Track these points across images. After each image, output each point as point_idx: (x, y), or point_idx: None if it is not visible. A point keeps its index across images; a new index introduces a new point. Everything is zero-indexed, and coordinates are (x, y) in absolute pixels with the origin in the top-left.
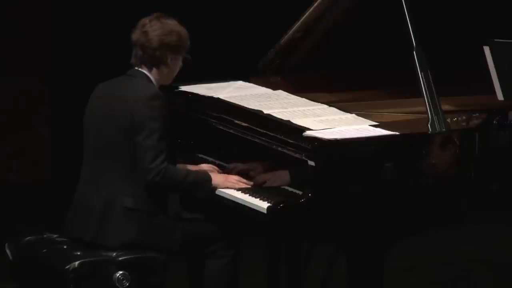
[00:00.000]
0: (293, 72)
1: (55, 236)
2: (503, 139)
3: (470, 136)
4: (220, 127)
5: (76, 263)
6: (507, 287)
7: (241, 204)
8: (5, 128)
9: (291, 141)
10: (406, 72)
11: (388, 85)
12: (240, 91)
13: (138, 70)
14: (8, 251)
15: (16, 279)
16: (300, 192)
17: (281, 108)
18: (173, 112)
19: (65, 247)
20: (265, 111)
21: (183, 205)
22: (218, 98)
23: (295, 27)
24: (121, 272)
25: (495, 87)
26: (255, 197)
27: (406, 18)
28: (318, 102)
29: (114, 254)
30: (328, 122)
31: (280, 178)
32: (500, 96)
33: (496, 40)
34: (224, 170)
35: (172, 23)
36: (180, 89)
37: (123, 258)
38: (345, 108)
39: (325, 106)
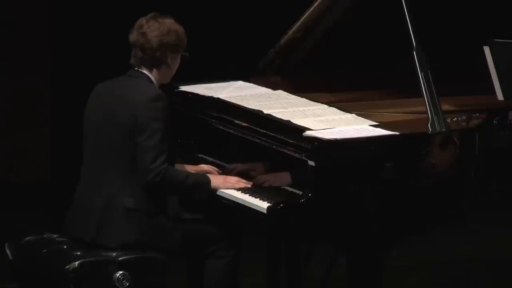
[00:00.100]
0: (293, 72)
1: (55, 236)
2: (503, 139)
3: (470, 136)
4: (220, 127)
5: (76, 263)
6: (507, 287)
7: (241, 204)
8: (5, 128)
9: (291, 141)
10: (406, 72)
11: (388, 85)
12: (240, 91)
13: (138, 70)
14: (8, 251)
15: (16, 279)
16: (300, 192)
17: (281, 108)
18: (173, 112)
19: (65, 247)
20: (265, 111)
21: (183, 205)
22: (218, 98)
23: (295, 27)
24: (121, 272)
25: (495, 87)
26: (255, 197)
27: (406, 18)
28: (318, 102)
29: (114, 254)
30: (328, 122)
31: (280, 178)
32: (500, 96)
33: (496, 40)
34: (224, 170)
35: (169, 22)
36: (180, 89)
37: (123, 258)
38: (345, 108)
39: (325, 106)
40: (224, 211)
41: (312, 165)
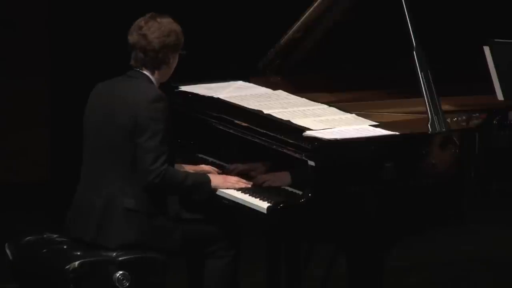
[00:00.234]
0: (293, 72)
1: (55, 236)
2: (503, 139)
3: (470, 136)
4: (220, 127)
5: (76, 263)
6: (507, 287)
7: (241, 204)
8: (5, 128)
9: (291, 141)
10: (406, 72)
11: (388, 85)
12: (240, 91)
13: (139, 71)
14: (8, 251)
15: (16, 279)
16: (300, 192)
17: (281, 108)
18: (173, 112)
19: (65, 247)
20: (265, 111)
21: (183, 205)
22: (218, 98)
23: (295, 27)
24: (121, 272)
25: (495, 87)
26: (255, 197)
27: (406, 18)
28: (318, 102)
29: (114, 254)
30: (328, 122)
31: (280, 178)
32: (500, 96)
33: (496, 40)
34: (224, 170)
35: (168, 22)
36: (180, 89)
37: (123, 258)
38: (345, 108)
39: (325, 106)
40: (224, 211)
41: (312, 165)
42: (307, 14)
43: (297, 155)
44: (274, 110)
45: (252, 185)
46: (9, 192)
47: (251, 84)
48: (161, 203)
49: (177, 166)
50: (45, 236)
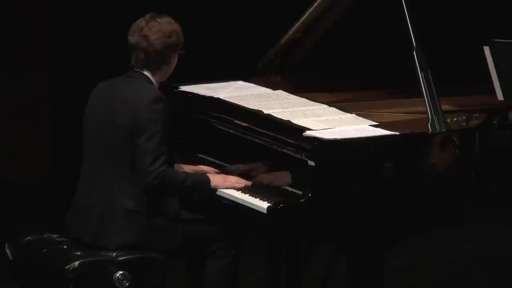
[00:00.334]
0: (293, 72)
1: (55, 236)
2: (503, 139)
3: (470, 136)
4: (220, 127)
5: (76, 263)
6: (507, 287)
7: (241, 204)
8: (5, 128)
9: (291, 141)
10: (406, 72)
11: (388, 85)
12: (240, 91)
13: (139, 72)
14: (8, 251)
15: (16, 279)
16: (300, 192)
17: (281, 108)
18: (173, 112)
19: (65, 247)
20: (265, 111)
21: (183, 205)
22: (218, 98)
23: (295, 27)
24: (121, 272)
25: (495, 87)
26: (255, 197)
27: (406, 18)
28: (318, 102)
29: (114, 254)
30: (328, 122)
31: (280, 178)
32: (500, 96)
33: (496, 40)
34: (224, 170)
35: (167, 22)
36: (180, 89)
37: (123, 258)
38: (345, 108)
39: (325, 106)
40: (224, 211)
41: (312, 165)
42: (307, 14)
43: (297, 155)
44: (274, 110)
45: (252, 185)
46: (9, 192)
47: (251, 84)
48: (161, 204)
49: (176, 166)
50: (45, 236)
